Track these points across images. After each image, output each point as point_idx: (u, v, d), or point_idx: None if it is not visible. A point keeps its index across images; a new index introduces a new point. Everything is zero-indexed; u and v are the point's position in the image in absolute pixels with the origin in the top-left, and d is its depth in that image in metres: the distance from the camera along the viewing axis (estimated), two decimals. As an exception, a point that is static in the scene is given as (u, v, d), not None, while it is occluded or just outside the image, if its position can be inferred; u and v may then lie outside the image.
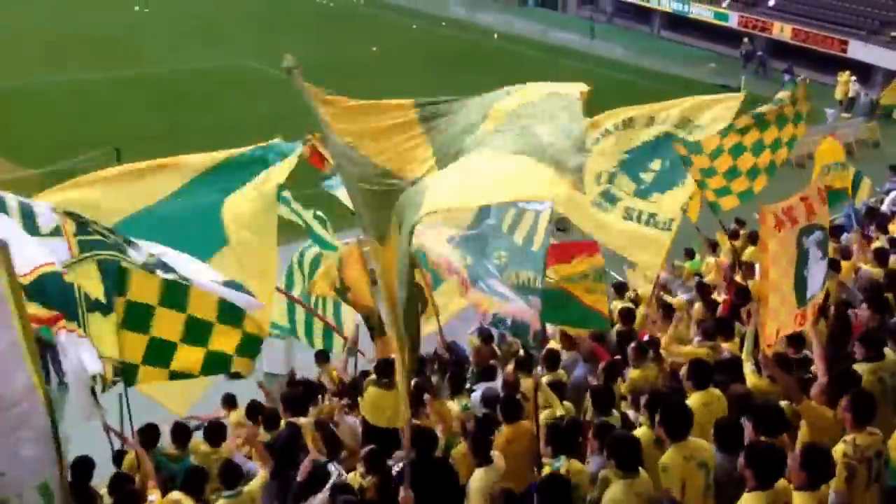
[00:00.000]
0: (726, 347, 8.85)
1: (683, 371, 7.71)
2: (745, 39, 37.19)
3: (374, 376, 9.02)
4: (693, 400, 7.06)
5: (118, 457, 8.41)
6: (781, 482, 5.33)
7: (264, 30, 39.49)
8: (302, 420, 8.39)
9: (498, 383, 9.20)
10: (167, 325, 7.12)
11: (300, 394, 9.08)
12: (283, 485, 7.58)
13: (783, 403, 6.77)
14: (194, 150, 23.44)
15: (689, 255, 14.58)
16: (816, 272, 7.28)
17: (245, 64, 33.96)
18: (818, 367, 7.36)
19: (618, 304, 12.24)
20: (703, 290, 11.66)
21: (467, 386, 9.59)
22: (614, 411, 7.88)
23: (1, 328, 4.56)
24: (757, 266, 11.48)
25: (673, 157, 10.36)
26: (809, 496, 5.25)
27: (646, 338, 9.70)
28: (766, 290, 6.88)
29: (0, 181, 18.08)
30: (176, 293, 6.99)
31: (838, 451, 5.74)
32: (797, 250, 7.02)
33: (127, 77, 31.32)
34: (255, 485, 7.29)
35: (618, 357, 9.51)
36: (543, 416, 7.96)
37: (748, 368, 7.50)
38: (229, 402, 10.14)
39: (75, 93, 28.95)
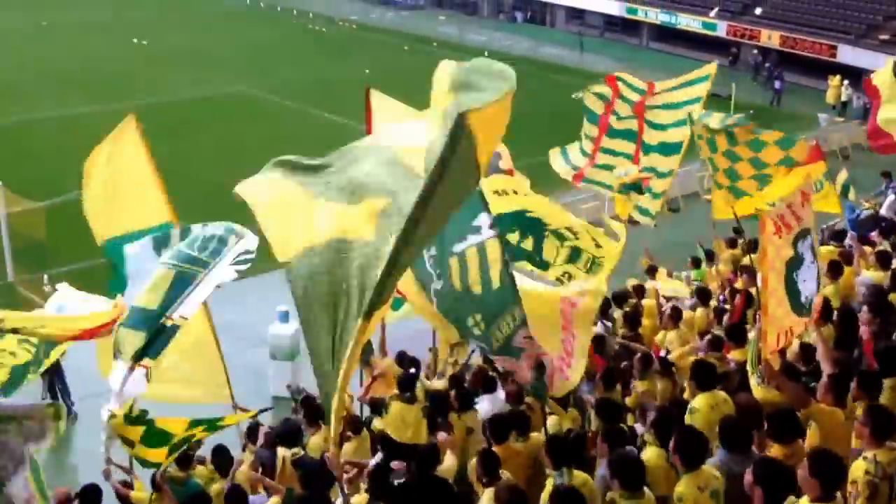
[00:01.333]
0: (733, 358, 8.87)
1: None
2: (755, 51, 37.14)
3: (396, 391, 9.05)
4: (699, 402, 7.08)
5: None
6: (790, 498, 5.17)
7: (259, 57, 39.77)
8: (281, 452, 8.40)
9: (500, 395, 9.29)
10: None
11: (294, 429, 9.07)
12: None
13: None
14: (195, 177, 23.71)
15: (696, 264, 14.65)
16: (809, 277, 7.37)
17: (242, 91, 34.20)
18: (824, 367, 7.38)
19: (618, 313, 12.36)
20: (704, 296, 11.77)
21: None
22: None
23: None
24: (759, 273, 11.62)
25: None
26: None
27: (662, 353, 9.73)
28: (766, 297, 6.94)
29: (10, 213, 18.31)
30: None
31: (859, 468, 5.60)
32: (793, 255, 7.11)
33: (127, 108, 31.31)
34: None
35: (624, 364, 9.57)
36: (549, 423, 8.05)
37: (754, 381, 7.50)
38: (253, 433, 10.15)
39: (78, 125, 29.07)
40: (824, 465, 5.09)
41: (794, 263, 7.17)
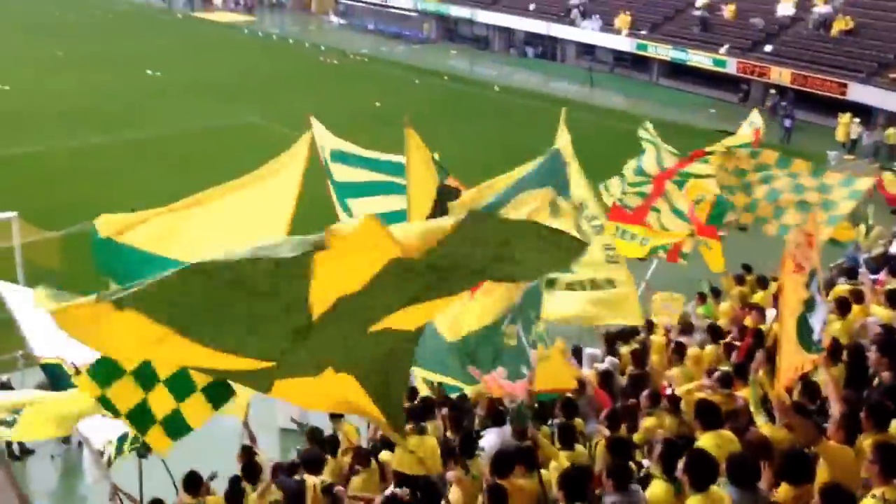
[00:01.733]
0: (741, 396, 8.85)
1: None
2: (772, 91, 37.16)
3: (409, 426, 9.03)
4: (704, 441, 7.08)
5: None
6: None
7: (271, 89, 40.16)
8: (310, 480, 8.41)
9: (507, 429, 9.28)
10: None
11: (318, 454, 9.12)
12: None
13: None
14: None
15: (702, 299, 14.67)
16: (818, 316, 7.41)
17: (254, 122, 34.50)
18: (833, 407, 7.35)
19: (625, 350, 12.36)
20: (715, 333, 11.75)
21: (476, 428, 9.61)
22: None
23: None
24: (769, 311, 11.67)
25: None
26: None
27: (668, 391, 9.73)
28: (781, 334, 6.98)
29: (24, 244, 18.44)
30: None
31: None
32: (807, 297, 7.16)
33: (141, 138, 31.86)
34: None
35: (632, 401, 9.56)
36: (553, 465, 8.03)
37: (761, 420, 7.51)
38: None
39: (91, 156, 29.47)
40: (836, 501, 5.16)
41: (809, 304, 7.22)
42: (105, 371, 6.89)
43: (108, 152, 30.00)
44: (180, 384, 7.15)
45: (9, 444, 13.28)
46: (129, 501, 8.29)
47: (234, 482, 9.07)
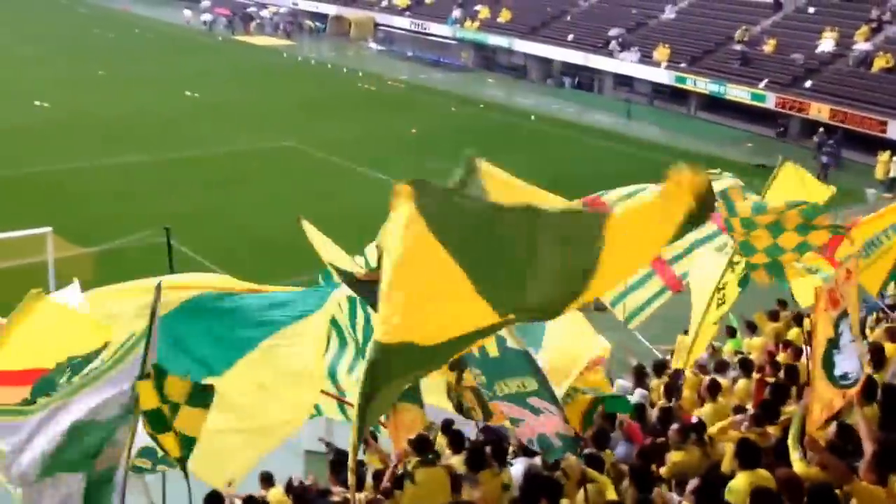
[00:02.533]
0: (773, 433, 8.68)
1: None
2: (821, 129, 36.64)
3: (415, 459, 8.93)
4: (740, 480, 6.96)
5: None
6: None
7: (308, 113, 40.54)
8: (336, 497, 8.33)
9: (537, 460, 9.13)
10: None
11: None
12: None
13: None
14: (243, 228, 23.97)
15: (731, 333, 14.48)
16: (848, 354, 7.30)
17: (290, 145, 34.81)
18: (865, 447, 7.22)
19: (658, 383, 12.17)
20: (746, 367, 11.55)
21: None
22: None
23: None
24: (805, 348, 11.43)
25: None
26: None
27: (694, 419, 9.56)
28: (815, 373, 6.93)
29: (57, 259, 18.68)
30: None
31: None
32: (832, 336, 7.07)
33: (178, 158, 32.26)
34: None
35: (661, 439, 9.39)
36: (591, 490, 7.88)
37: (795, 456, 7.36)
38: (267, 479, 10.14)
39: (127, 174, 29.87)
40: None
41: (833, 342, 7.15)
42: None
43: (144, 171, 30.39)
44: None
45: None
46: None
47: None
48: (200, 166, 31.45)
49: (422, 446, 8.79)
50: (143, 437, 6.69)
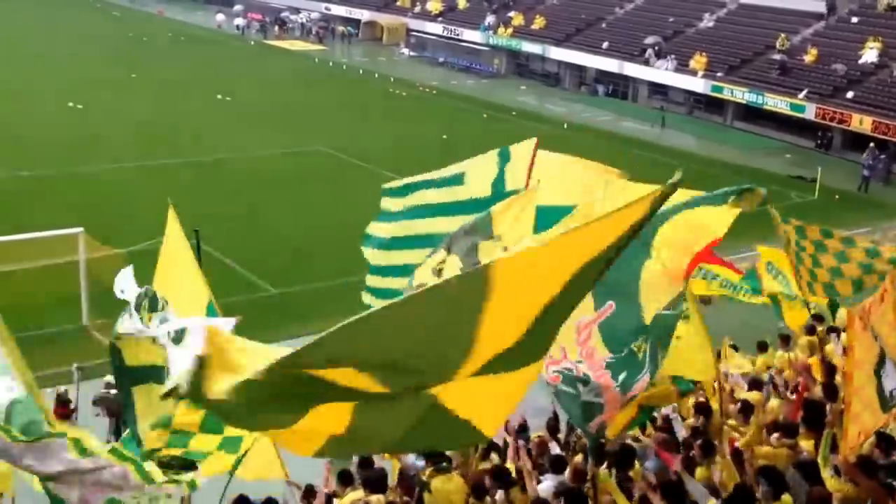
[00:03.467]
0: (806, 447, 8.53)
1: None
2: (871, 144, 35.94)
3: (430, 468, 8.81)
4: None
5: None
6: None
7: (339, 118, 40.60)
8: (374, 498, 8.23)
9: (565, 477, 8.93)
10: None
11: (380, 474, 8.89)
12: None
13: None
14: (271, 231, 23.96)
15: (762, 348, 14.19)
16: (892, 372, 7.12)
17: (320, 150, 34.85)
18: None
19: (689, 400, 11.90)
20: (778, 386, 11.31)
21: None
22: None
23: None
24: (840, 365, 11.17)
25: None
26: None
27: (737, 444, 9.32)
28: (851, 394, 6.77)
29: (89, 259, 18.75)
30: None
31: None
32: (877, 352, 6.87)
33: (208, 161, 32.43)
34: None
35: (692, 454, 9.16)
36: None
37: (827, 473, 7.21)
38: (310, 493, 9.97)
39: (159, 176, 30.02)
40: None
41: (879, 360, 6.94)
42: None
43: (175, 173, 30.54)
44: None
45: None
46: None
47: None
48: (231, 169, 31.56)
49: (434, 455, 8.73)
50: None
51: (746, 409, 10.24)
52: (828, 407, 9.10)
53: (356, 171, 31.95)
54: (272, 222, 25.97)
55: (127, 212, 25.49)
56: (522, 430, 10.86)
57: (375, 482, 8.51)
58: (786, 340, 13.85)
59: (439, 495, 8.46)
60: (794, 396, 10.95)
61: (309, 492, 9.72)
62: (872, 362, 6.90)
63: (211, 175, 30.81)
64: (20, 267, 18.52)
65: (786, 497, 6.94)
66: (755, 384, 11.87)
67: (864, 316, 6.89)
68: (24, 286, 17.77)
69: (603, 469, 8.79)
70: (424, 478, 8.80)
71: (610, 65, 49.92)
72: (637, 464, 9.19)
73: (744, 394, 11.37)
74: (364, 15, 67.55)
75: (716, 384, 11.87)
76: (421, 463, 9.16)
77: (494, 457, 10.05)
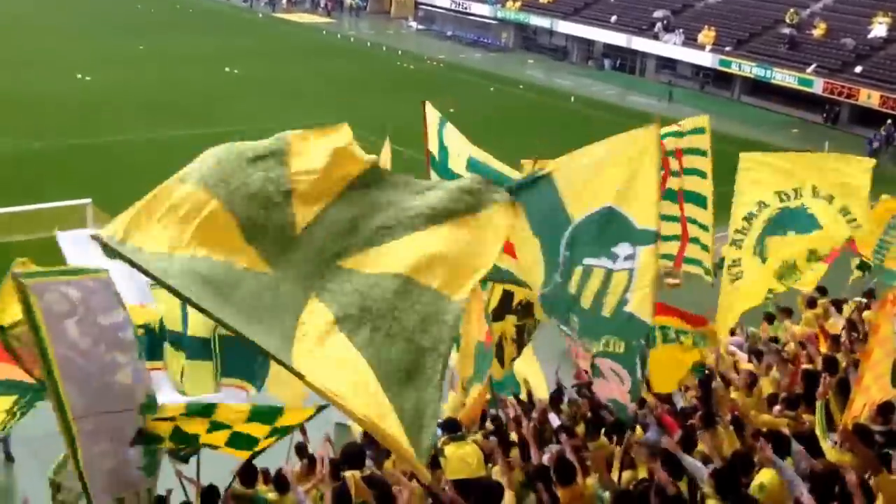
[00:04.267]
0: (808, 419, 8.57)
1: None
2: (889, 121, 35.77)
3: (445, 436, 8.96)
4: (768, 477, 6.88)
5: None
6: None
7: (346, 91, 40.58)
8: (348, 473, 8.29)
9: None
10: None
11: (359, 449, 9.00)
12: None
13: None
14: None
15: (769, 320, 14.22)
16: None
17: (328, 123, 34.76)
18: None
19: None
20: (782, 358, 11.36)
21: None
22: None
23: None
24: (843, 338, 11.28)
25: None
26: None
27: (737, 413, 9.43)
28: (865, 368, 6.94)
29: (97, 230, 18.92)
30: None
31: None
32: None
33: (215, 133, 32.39)
34: None
35: (691, 423, 9.27)
36: (626, 477, 7.91)
37: (827, 444, 7.32)
38: (302, 450, 10.17)
39: (166, 148, 30.08)
40: None
41: None
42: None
43: (183, 145, 30.54)
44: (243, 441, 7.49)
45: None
46: (190, 484, 8.29)
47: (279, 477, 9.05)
48: (237, 141, 31.59)
49: (449, 426, 8.91)
50: None
51: (752, 380, 10.31)
52: (823, 379, 9.13)
53: (364, 144, 31.90)
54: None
55: (134, 183, 25.54)
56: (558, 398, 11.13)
57: (352, 456, 8.60)
58: (787, 313, 13.90)
59: (454, 459, 8.61)
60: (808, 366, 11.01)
61: (301, 449, 9.90)
62: None
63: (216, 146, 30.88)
64: (29, 238, 18.70)
65: (767, 472, 6.99)
66: (755, 355, 11.95)
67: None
68: (34, 258, 17.89)
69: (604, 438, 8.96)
70: (439, 444, 8.98)
71: (618, 39, 49.66)
72: (640, 433, 9.35)
73: (744, 365, 11.44)
74: (372, -12, 67.28)
75: (717, 355, 12.05)
76: (438, 431, 9.30)
77: (489, 425, 10.26)
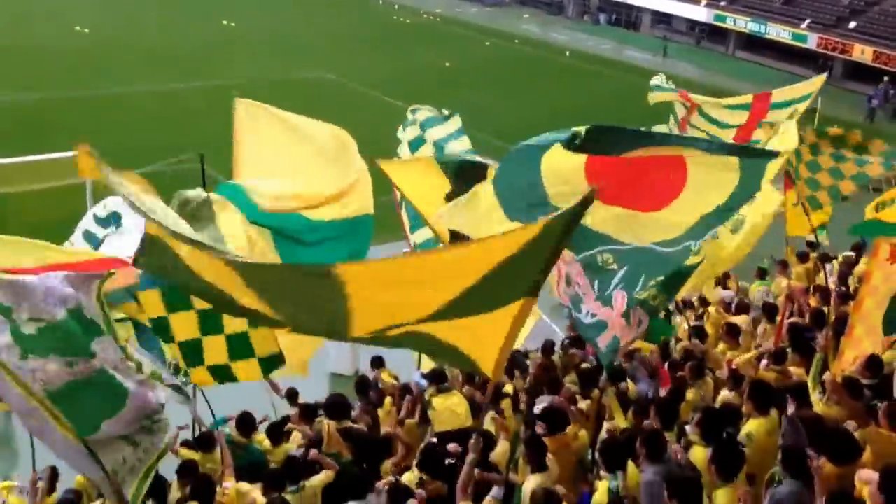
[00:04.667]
0: (796, 373, 8.68)
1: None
2: (886, 78, 35.62)
3: (432, 388, 9.16)
4: (756, 428, 7.00)
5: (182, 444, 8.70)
6: None
7: (343, 44, 40.30)
8: (326, 423, 8.47)
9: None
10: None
11: (342, 401, 9.17)
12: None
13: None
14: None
15: (761, 275, 14.38)
16: None
17: (322, 76, 34.70)
18: None
19: (681, 321, 12.23)
20: (770, 312, 11.57)
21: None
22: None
23: None
24: (833, 291, 11.43)
25: None
26: None
27: (734, 366, 9.64)
28: (856, 319, 6.94)
29: (95, 181, 18.94)
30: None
31: None
32: None
33: (213, 86, 32.31)
34: (317, 481, 7.32)
35: (681, 374, 9.50)
36: (606, 427, 7.98)
37: (815, 397, 7.39)
38: (293, 397, 10.41)
39: (165, 100, 30.06)
40: (893, 483, 5.04)
41: None
42: (177, 298, 7.19)
43: (181, 97, 30.54)
44: (240, 346, 7.51)
45: None
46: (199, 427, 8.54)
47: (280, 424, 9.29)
48: (238, 95, 31.45)
49: (436, 377, 9.10)
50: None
51: (732, 332, 10.50)
52: (820, 333, 9.27)
53: (359, 97, 31.92)
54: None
55: (132, 135, 25.59)
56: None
57: (333, 408, 8.75)
58: (783, 266, 14.03)
59: (442, 410, 8.85)
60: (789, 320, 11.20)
61: (292, 396, 10.14)
62: (891, 292, 6.98)
63: (216, 99, 30.69)
64: (28, 188, 18.78)
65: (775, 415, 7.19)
66: (741, 308, 12.13)
67: (890, 249, 6.94)
68: (32, 208, 18.03)
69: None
70: (427, 397, 9.18)
71: (614, -7, 49.37)
72: (631, 384, 9.58)
73: (730, 318, 11.64)
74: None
75: (711, 309, 12.28)
76: (424, 383, 9.50)
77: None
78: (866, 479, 5.33)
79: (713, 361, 10.12)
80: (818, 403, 7.31)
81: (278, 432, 9.10)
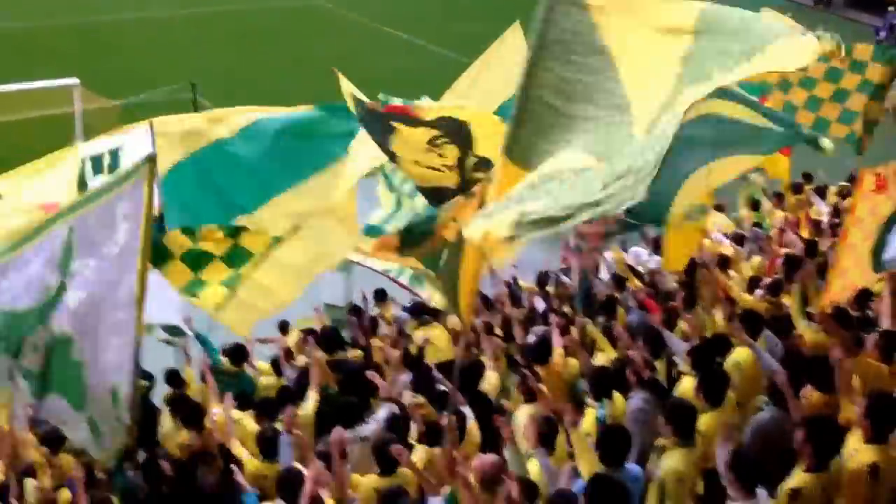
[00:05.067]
0: (789, 304, 8.61)
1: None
2: (892, 8, 34.82)
3: (413, 322, 9.18)
4: (744, 356, 7.04)
5: (171, 375, 8.80)
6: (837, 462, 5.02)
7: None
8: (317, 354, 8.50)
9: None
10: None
11: (333, 332, 9.14)
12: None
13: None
14: (262, 88, 23.78)
15: (754, 206, 14.33)
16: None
17: (316, 4, 34.04)
18: (884, 321, 7.20)
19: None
20: (760, 242, 11.62)
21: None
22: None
23: (126, 231, 5.18)
24: (824, 223, 11.44)
25: None
26: (880, 449, 4.97)
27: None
28: (842, 249, 6.94)
29: (85, 110, 18.76)
30: None
31: None
32: (890, 214, 6.94)
33: (204, 13, 31.77)
34: (309, 408, 7.32)
35: (673, 304, 9.54)
36: (601, 358, 8.17)
37: (803, 325, 7.47)
38: (283, 328, 10.48)
39: (155, 27, 29.62)
40: (878, 407, 5.05)
41: (890, 223, 7.02)
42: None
43: (172, 25, 30.09)
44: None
45: None
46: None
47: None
48: (227, 22, 30.95)
49: (417, 310, 9.23)
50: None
51: (723, 263, 10.53)
52: (805, 262, 9.30)
53: (352, 25, 31.39)
54: (268, 76, 25.66)
55: (123, 63, 25.27)
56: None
57: (329, 340, 8.81)
58: (779, 197, 13.98)
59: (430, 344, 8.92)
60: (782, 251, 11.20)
61: (284, 327, 10.21)
62: (878, 223, 6.95)
63: (207, 27, 30.27)
64: (15, 118, 18.59)
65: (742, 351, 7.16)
66: (736, 239, 12.13)
67: (884, 177, 6.88)
68: (20, 138, 17.85)
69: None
70: (408, 331, 9.21)
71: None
72: (621, 314, 9.63)
73: (723, 248, 11.64)
74: None
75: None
76: (405, 316, 9.52)
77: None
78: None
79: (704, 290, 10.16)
80: (807, 331, 7.41)
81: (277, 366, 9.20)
